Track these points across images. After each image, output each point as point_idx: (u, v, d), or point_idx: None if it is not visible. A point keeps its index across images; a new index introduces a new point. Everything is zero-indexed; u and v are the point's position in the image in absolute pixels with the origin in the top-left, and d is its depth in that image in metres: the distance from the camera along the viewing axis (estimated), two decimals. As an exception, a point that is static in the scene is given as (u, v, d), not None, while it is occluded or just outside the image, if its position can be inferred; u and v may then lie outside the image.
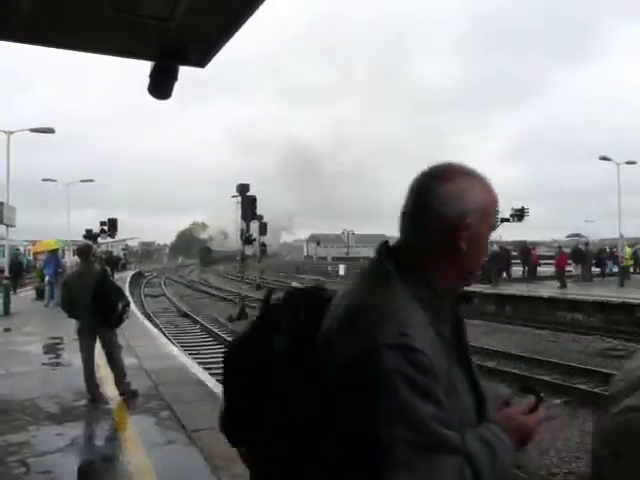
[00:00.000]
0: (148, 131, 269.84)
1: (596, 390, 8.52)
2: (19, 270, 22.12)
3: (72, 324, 6.51)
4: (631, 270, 25.87)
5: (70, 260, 19.87)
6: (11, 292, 19.03)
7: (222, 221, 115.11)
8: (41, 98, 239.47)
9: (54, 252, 17.96)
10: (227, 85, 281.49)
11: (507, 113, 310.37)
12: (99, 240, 33.60)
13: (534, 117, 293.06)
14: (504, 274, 25.39)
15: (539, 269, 28.68)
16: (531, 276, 27.11)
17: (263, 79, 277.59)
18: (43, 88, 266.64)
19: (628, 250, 26.52)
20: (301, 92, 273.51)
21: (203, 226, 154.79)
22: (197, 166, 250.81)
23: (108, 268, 6.66)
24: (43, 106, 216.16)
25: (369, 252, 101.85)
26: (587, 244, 28.59)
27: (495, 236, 29.38)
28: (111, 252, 40.60)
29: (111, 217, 33.60)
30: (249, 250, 26.74)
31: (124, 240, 66.40)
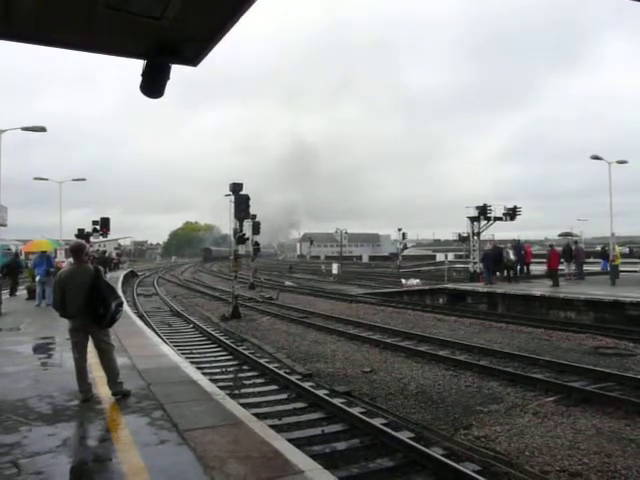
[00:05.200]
0: (144, 131, 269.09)
1: (588, 388, 8.58)
2: (15, 270, 20.48)
3: (64, 323, 6.47)
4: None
5: (66, 261, 19.60)
6: (7, 292, 18.81)
7: (220, 221, 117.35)
8: (38, 98, 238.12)
9: (45, 251, 17.83)
10: (225, 86, 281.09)
11: (501, 115, 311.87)
12: (91, 239, 33.48)
13: (528, 118, 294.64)
14: (497, 273, 25.46)
15: (531, 267, 28.81)
16: (524, 274, 27.23)
17: (262, 81, 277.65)
18: (42, 88, 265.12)
19: (618, 249, 26.64)
20: (301, 95, 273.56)
21: (202, 225, 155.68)
22: (193, 166, 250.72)
23: (101, 267, 6.60)
24: (40, 107, 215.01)
25: (362, 251, 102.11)
26: (577, 242, 28.72)
27: (488, 235, 29.56)
28: (104, 251, 40.41)
29: (103, 216, 33.56)
30: (243, 249, 26.70)
31: (117, 239, 66.22)
